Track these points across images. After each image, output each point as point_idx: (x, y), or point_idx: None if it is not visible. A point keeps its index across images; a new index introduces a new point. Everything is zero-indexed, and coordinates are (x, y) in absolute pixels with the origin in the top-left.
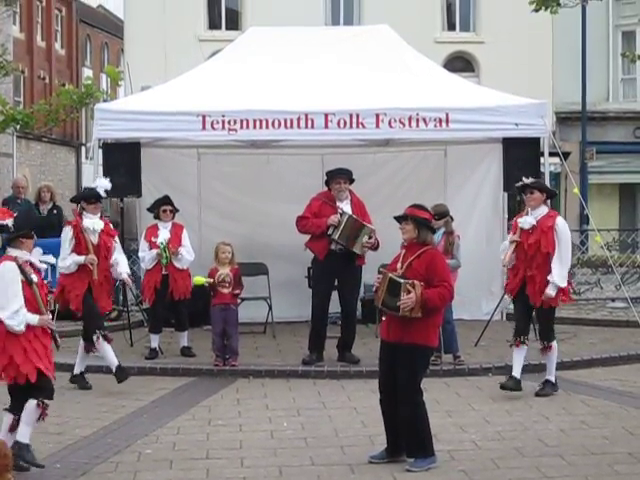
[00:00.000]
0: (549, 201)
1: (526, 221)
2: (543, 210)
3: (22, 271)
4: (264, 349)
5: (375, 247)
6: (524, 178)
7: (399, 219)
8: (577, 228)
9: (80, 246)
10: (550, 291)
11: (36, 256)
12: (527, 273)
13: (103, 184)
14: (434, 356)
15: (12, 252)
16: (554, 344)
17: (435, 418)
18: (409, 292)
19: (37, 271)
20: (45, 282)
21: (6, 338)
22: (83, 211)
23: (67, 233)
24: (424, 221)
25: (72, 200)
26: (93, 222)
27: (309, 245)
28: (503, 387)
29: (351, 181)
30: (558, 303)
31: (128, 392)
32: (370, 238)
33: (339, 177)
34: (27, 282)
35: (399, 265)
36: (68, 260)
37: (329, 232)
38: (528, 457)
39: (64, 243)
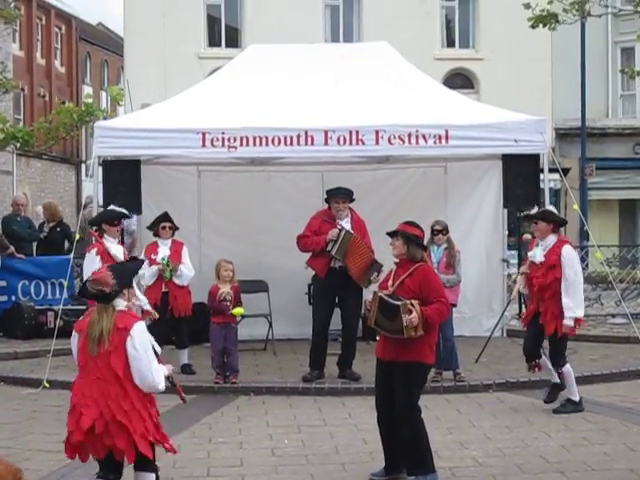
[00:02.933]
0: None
1: (536, 255)
2: (552, 240)
3: None
4: (265, 366)
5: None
6: (531, 210)
7: (390, 235)
8: (577, 244)
9: None
10: (568, 322)
11: None
12: (539, 305)
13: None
14: (435, 373)
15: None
16: (565, 368)
17: (436, 435)
18: (410, 312)
19: None
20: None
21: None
22: (104, 233)
23: (93, 256)
24: (413, 237)
25: (91, 223)
26: (115, 248)
27: (310, 263)
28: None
29: (351, 200)
30: (574, 332)
31: None
32: (378, 275)
33: (338, 197)
34: None
35: (390, 283)
36: None
37: (328, 248)
38: (529, 474)
39: (91, 266)
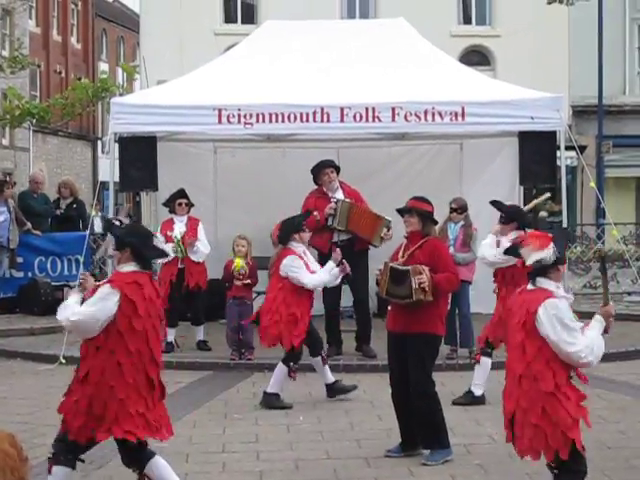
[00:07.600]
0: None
1: None
2: None
3: None
4: None
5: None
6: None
7: (401, 212)
8: (593, 222)
9: None
10: None
11: None
12: None
13: None
14: (450, 350)
15: None
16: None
17: (451, 412)
18: (420, 273)
19: None
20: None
21: None
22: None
23: None
24: (428, 214)
25: None
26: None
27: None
28: None
29: (337, 170)
30: None
31: None
32: (388, 230)
33: (325, 169)
34: None
35: (400, 254)
36: None
37: (328, 223)
38: None
39: None
